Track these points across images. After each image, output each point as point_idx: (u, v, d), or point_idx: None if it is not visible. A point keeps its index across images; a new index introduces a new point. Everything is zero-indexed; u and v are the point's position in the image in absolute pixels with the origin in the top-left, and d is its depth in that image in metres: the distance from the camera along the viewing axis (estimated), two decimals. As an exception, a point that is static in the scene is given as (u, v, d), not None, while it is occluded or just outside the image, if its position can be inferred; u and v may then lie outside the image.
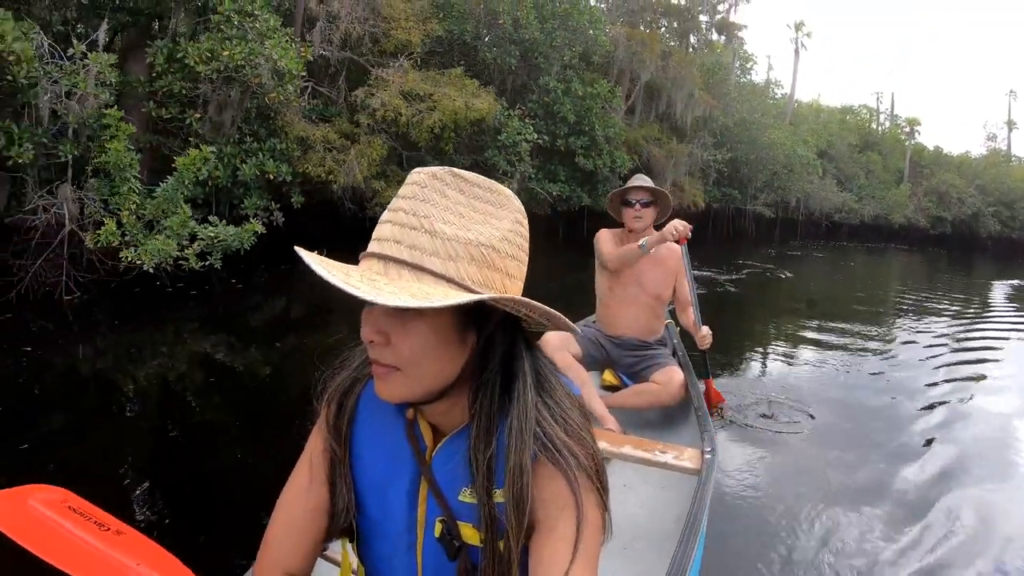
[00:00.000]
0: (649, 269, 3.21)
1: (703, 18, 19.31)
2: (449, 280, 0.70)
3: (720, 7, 19.53)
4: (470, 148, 12.26)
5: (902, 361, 6.52)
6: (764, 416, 4.31)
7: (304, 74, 9.07)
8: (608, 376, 3.49)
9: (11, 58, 5.86)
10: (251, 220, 7.56)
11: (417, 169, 0.77)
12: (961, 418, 4.69)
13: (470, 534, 0.79)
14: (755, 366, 6.03)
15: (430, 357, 0.74)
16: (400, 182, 7.92)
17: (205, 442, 3.70)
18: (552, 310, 0.76)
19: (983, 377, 6.08)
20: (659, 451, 2.37)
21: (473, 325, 0.75)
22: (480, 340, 0.76)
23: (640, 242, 3.00)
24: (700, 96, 17.55)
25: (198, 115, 8.28)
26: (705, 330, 3.34)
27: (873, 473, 3.56)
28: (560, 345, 3.03)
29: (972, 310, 11.03)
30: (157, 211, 6.85)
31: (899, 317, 9.73)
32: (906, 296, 12.42)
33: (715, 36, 20.04)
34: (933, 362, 6.48)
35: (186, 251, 6.64)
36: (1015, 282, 17.11)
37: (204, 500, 2.98)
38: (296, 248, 0.71)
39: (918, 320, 9.43)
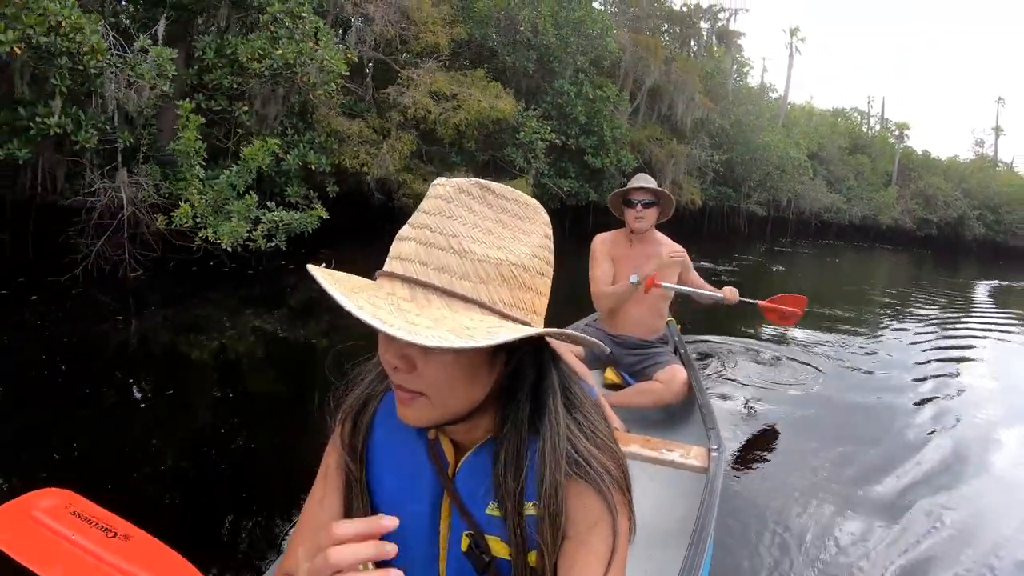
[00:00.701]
0: (650, 267, 3.18)
1: (704, 25, 20.22)
2: (480, 304, 0.68)
3: (721, 15, 20.44)
4: (489, 145, 13.16)
5: (888, 357, 6.78)
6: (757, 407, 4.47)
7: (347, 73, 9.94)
8: (610, 375, 3.46)
9: (86, 49, 6.43)
10: (315, 206, 8.44)
11: (440, 181, 0.74)
12: (960, 415, 4.86)
13: (499, 548, 0.78)
14: (745, 358, 6.16)
15: (458, 383, 0.72)
16: (424, 175, 9.03)
17: (245, 426, 3.77)
18: (592, 339, 0.78)
19: (970, 361, 6.64)
20: (665, 449, 2.38)
21: (503, 348, 0.71)
22: (511, 362, 0.75)
23: (632, 278, 3.09)
24: (700, 99, 18.54)
25: (245, 108, 9.01)
26: (726, 290, 3.39)
27: (873, 469, 3.66)
28: (564, 347, 3.18)
29: (955, 307, 11.63)
30: (220, 196, 7.70)
31: (883, 313, 10.21)
32: (891, 293, 13.22)
33: (715, 43, 20.93)
34: (919, 356, 6.83)
35: (253, 233, 7.51)
36: (995, 282, 18.04)
37: (234, 490, 2.99)
38: (309, 268, 0.68)
39: (903, 316, 9.95)
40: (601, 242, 3.33)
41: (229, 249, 7.27)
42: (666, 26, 20.32)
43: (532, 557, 0.77)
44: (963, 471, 3.82)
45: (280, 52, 8.44)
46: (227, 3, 8.91)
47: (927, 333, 8.34)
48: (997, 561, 2.82)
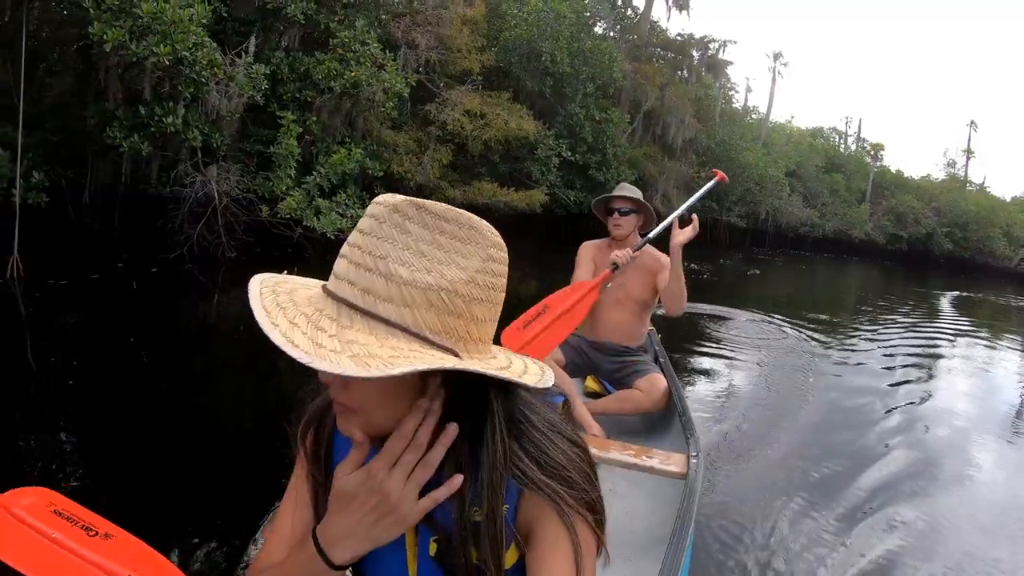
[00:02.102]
0: (631, 274, 3.19)
1: (695, 53, 22.52)
2: (404, 329, 0.66)
3: (711, 45, 22.79)
4: (510, 158, 15.29)
5: (859, 363, 7.19)
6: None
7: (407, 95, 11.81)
8: (591, 383, 3.48)
9: (205, 63, 7.86)
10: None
11: (378, 199, 0.71)
12: (928, 421, 5.12)
13: (468, 552, 0.77)
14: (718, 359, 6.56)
15: (386, 404, 0.72)
16: (453, 183, 11.36)
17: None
18: (524, 383, 0.73)
19: (936, 365, 7.31)
20: (646, 456, 2.39)
21: (435, 372, 0.70)
22: (446, 385, 0.73)
23: (611, 264, 3.08)
24: (690, 121, 20.86)
25: (315, 118, 10.60)
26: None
27: (849, 474, 3.79)
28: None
29: (919, 314, 12.60)
30: (310, 193, 9.62)
31: (854, 320, 10.80)
32: (861, 300, 14.44)
33: (704, 71, 23.26)
34: (889, 361, 7.31)
35: (347, 224, 9.35)
36: (955, 293, 19.80)
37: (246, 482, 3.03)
38: (254, 280, 0.71)
39: (872, 322, 10.53)
40: (585, 248, 3.42)
41: (332, 237, 9.09)
42: (661, 52, 22.56)
43: (508, 558, 0.78)
44: (934, 474, 3.97)
45: (352, 74, 10.25)
46: (298, 26, 10.51)
47: (895, 339, 8.86)
48: (970, 560, 2.98)
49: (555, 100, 16.32)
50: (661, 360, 3.48)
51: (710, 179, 3.49)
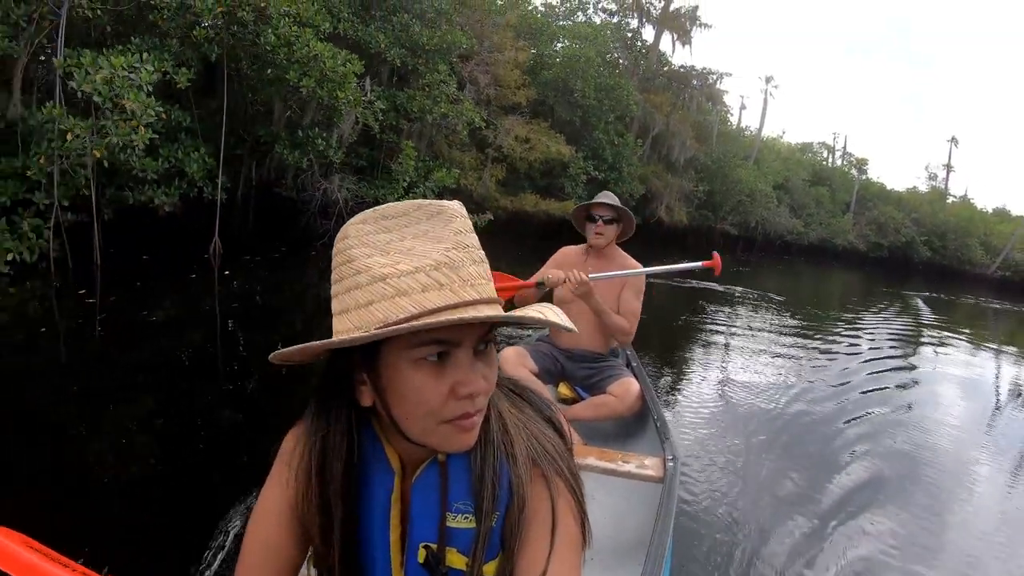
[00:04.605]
0: (606, 282, 3.12)
1: (695, 83, 26.34)
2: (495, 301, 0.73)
3: (711, 77, 26.63)
4: (547, 175, 18.96)
5: (835, 364, 7.16)
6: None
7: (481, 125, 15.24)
8: (564, 389, 3.40)
9: (351, 97, 10.27)
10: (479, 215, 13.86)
11: (388, 213, 0.76)
12: (906, 423, 5.17)
13: (455, 559, 0.79)
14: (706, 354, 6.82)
15: None
16: (503, 194, 15.90)
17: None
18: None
19: (910, 368, 7.42)
20: (622, 461, 2.39)
21: None
22: None
23: (537, 280, 3.00)
24: (690, 143, 24.61)
25: (410, 142, 13.61)
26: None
27: (824, 475, 3.83)
28: (517, 361, 3.03)
29: (894, 315, 13.37)
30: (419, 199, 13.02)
31: (831, 324, 10.89)
32: (840, 303, 15.41)
33: (703, 100, 27.08)
34: (864, 365, 7.31)
35: None
36: (924, 294, 21.74)
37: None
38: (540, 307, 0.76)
39: (848, 326, 10.75)
40: (563, 253, 3.36)
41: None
42: (667, 83, 26.35)
43: (488, 568, 0.79)
44: (913, 476, 4.00)
45: (441, 109, 13.69)
46: (390, 68, 13.79)
47: (870, 343, 9.05)
48: (952, 560, 3.06)
49: (582, 127, 20.08)
50: (634, 364, 3.48)
51: (703, 258, 3.23)
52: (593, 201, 3.19)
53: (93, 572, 0.65)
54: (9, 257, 7.15)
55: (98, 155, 7.45)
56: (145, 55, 7.74)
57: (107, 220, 8.61)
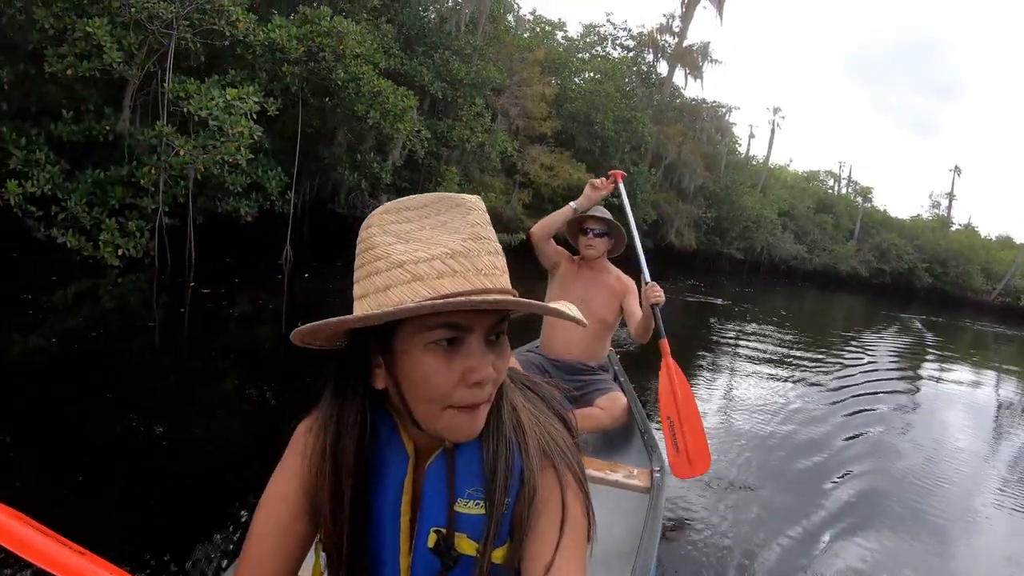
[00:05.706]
0: (596, 293, 3.20)
1: (705, 117, 27.88)
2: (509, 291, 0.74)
3: (720, 110, 28.19)
4: (568, 200, 20.21)
5: (829, 380, 7.27)
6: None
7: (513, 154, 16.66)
8: None
9: (412, 129, 11.94)
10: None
11: (403, 208, 0.77)
12: (903, 435, 5.23)
13: (465, 545, 0.80)
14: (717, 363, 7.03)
15: None
16: (528, 217, 17.39)
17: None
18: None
19: (908, 386, 7.48)
20: (609, 470, 2.43)
21: None
22: None
23: (572, 205, 3.11)
24: (700, 172, 26.07)
25: (452, 167, 15.09)
26: (653, 285, 3.09)
27: (811, 487, 3.89)
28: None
29: (894, 339, 13.60)
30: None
31: (825, 343, 11.14)
32: (836, 327, 15.62)
33: (713, 131, 28.61)
34: (858, 381, 7.43)
35: None
36: (922, 317, 22.55)
37: None
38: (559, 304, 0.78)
39: (844, 345, 10.98)
40: (568, 256, 3.39)
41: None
42: (678, 113, 27.88)
43: (497, 554, 0.79)
44: (904, 490, 4.02)
45: (479, 138, 15.12)
46: (432, 100, 15.22)
47: (870, 362, 9.11)
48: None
49: (601, 157, 21.50)
50: (621, 379, 3.46)
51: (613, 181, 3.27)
52: (587, 214, 3.23)
53: (92, 553, 0.64)
54: (120, 252, 8.58)
55: (202, 169, 8.80)
56: (251, 88, 9.11)
57: (198, 225, 9.97)
